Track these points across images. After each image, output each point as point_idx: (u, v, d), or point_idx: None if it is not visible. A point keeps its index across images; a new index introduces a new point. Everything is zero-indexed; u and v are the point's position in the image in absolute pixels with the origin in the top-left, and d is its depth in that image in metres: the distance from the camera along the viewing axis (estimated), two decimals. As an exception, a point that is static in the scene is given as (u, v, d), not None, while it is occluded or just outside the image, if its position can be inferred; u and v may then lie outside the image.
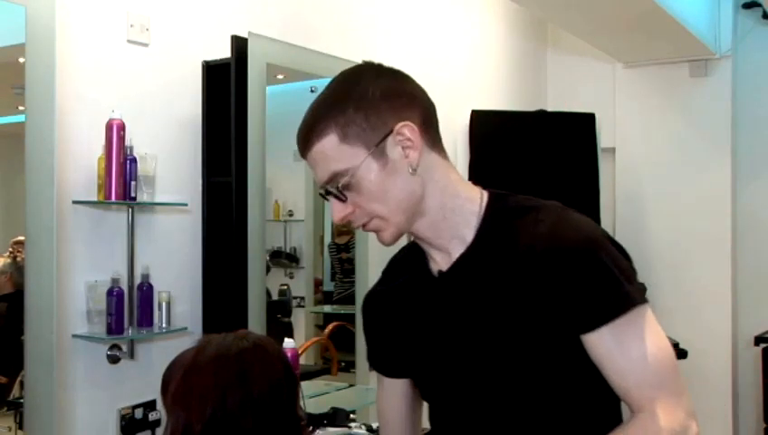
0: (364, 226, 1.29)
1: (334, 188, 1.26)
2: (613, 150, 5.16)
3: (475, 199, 1.30)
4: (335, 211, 1.29)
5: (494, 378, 1.25)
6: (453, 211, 1.28)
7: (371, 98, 1.25)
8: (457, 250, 1.28)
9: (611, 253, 1.21)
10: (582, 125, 4.49)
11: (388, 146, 1.24)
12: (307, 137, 1.27)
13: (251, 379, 1.31)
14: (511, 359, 1.21)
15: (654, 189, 4.97)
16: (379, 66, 1.33)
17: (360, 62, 1.36)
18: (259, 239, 2.83)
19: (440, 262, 1.31)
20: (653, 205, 5.02)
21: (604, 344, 1.18)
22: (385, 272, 1.47)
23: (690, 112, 5.00)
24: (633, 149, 5.13)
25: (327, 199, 1.29)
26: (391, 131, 1.24)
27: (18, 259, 4.37)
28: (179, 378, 1.34)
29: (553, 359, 1.21)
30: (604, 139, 4.76)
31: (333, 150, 1.24)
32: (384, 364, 1.50)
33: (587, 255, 1.19)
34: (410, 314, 1.37)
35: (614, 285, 1.18)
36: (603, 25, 4.37)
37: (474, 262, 1.26)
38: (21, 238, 4.26)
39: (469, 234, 1.27)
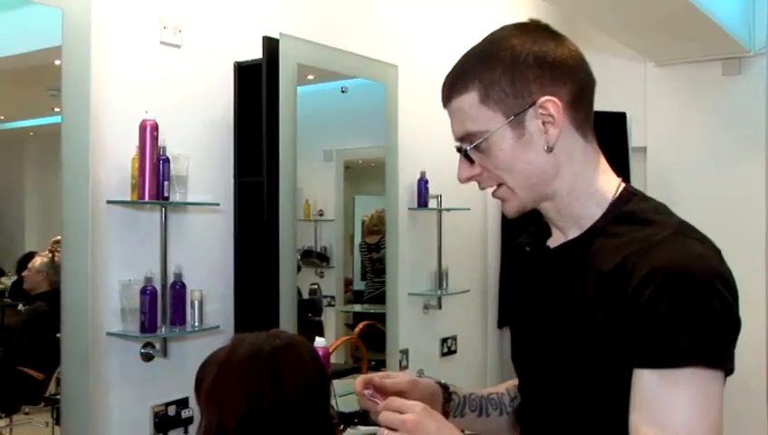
0: (489, 189, 1.25)
1: (465, 146, 1.22)
2: (644, 150, 5.12)
3: (606, 193, 1.23)
4: (461, 170, 1.25)
5: (548, 364, 1.22)
6: (579, 199, 1.23)
7: (522, 62, 1.19)
8: (571, 234, 1.25)
9: (702, 300, 1.06)
10: (613, 124, 4.46)
11: (528, 117, 1.19)
12: (449, 88, 1.24)
13: (284, 377, 1.32)
14: (567, 355, 1.18)
15: (686, 189, 4.92)
16: (543, 27, 1.27)
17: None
18: (290, 239, 2.85)
19: (555, 239, 1.29)
20: (685, 205, 4.92)
21: (636, 387, 1.09)
22: (528, 232, 1.42)
23: (723, 111, 4.94)
24: (665, 149, 5.08)
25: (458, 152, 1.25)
26: (534, 103, 1.18)
27: (56, 258, 4.43)
28: (213, 376, 1.36)
29: (601, 375, 1.15)
30: (635, 138, 4.72)
31: (471, 109, 1.20)
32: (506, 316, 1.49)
33: (673, 289, 1.06)
34: (523, 279, 1.35)
35: (674, 333, 1.05)
36: (634, 24, 4.34)
37: (577, 252, 1.22)
38: (59, 238, 4.31)
39: (586, 224, 1.23)
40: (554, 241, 1.29)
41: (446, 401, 1.46)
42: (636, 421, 1.09)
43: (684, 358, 1.05)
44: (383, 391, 1.34)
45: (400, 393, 1.33)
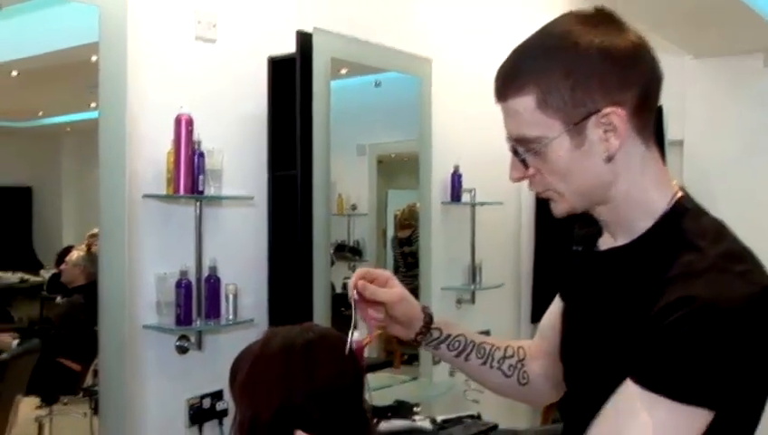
0: (538, 192, 1.21)
1: (521, 148, 1.18)
2: (681, 143, 5.07)
3: (660, 204, 1.18)
4: (513, 170, 1.21)
5: (589, 361, 1.22)
6: (632, 208, 1.19)
7: (584, 64, 1.12)
8: (621, 240, 1.22)
9: (715, 341, 1.02)
10: (649, 117, 4.42)
11: (589, 125, 1.13)
12: (503, 86, 1.17)
13: (317, 370, 1.33)
14: (605, 354, 1.18)
15: (723, 184, 4.86)
16: (608, 18, 1.18)
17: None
18: (324, 232, 2.86)
19: (605, 241, 1.27)
20: (722, 200, 4.88)
21: (619, 390, 1.08)
22: (576, 235, 1.42)
23: (764, 104, 4.87)
24: (702, 143, 5.03)
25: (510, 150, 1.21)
26: (596, 112, 1.12)
27: (92, 250, 4.49)
28: (246, 370, 1.37)
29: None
30: (672, 131, 4.68)
31: (527, 113, 1.14)
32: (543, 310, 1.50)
33: (693, 323, 1.02)
34: (570, 277, 1.35)
35: (671, 361, 1.04)
36: (672, 16, 4.29)
37: (622, 260, 1.21)
38: (96, 231, 4.38)
39: (636, 233, 1.19)
40: (604, 243, 1.27)
41: (422, 334, 1.47)
42: (598, 422, 1.10)
43: (665, 387, 1.04)
44: (370, 299, 1.39)
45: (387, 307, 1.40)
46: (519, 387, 1.52)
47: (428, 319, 1.48)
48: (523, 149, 1.17)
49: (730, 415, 1.07)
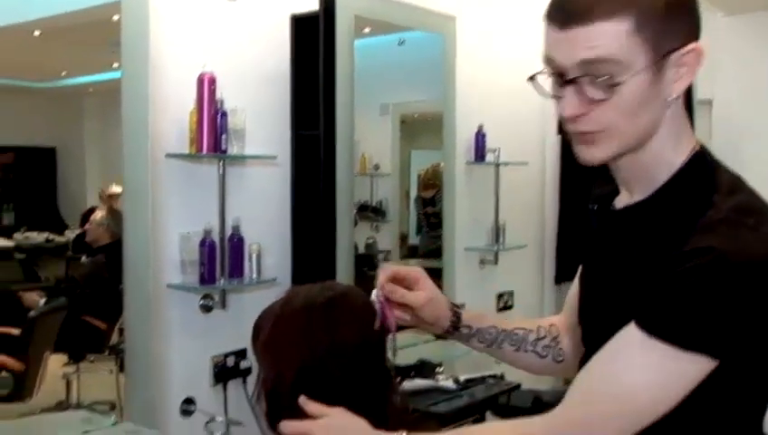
0: (583, 132, 1.12)
1: (586, 80, 1.07)
2: (710, 103, 4.99)
3: (680, 153, 1.16)
4: (568, 105, 1.10)
5: (608, 320, 1.22)
6: (657, 155, 1.15)
7: None
8: (638, 196, 1.19)
9: (721, 291, 1.01)
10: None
11: (670, 62, 1.07)
12: (590, 7, 1.04)
13: (338, 327, 1.32)
14: (623, 312, 1.18)
15: (754, 145, 4.77)
16: None
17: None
18: (347, 192, 2.86)
19: (621, 199, 1.25)
20: (752, 162, 4.81)
21: (621, 332, 1.09)
22: (592, 194, 1.40)
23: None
24: (732, 102, 4.94)
25: (562, 85, 1.10)
26: (682, 47, 1.07)
27: (114, 208, 4.52)
28: (268, 328, 1.37)
29: None
30: (701, 90, 4.59)
31: (618, 37, 1.04)
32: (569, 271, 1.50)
33: (702, 273, 1.02)
34: (588, 237, 1.33)
35: (670, 304, 1.04)
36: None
37: (639, 216, 1.19)
38: (115, 190, 4.41)
39: (654, 186, 1.16)
40: (620, 201, 1.26)
41: (449, 332, 1.48)
42: (597, 357, 1.12)
43: (662, 330, 1.04)
44: (396, 301, 1.38)
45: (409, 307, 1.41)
46: (556, 365, 1.53)
47: (456, 318, 1.48)
48: (591, 80, 1.07)
49: (736, 370, 1.07)
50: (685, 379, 1.06)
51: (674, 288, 1.05)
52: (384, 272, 1.40)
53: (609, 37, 1.04)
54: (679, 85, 1.10)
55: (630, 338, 1.08)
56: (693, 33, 1.10)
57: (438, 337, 1.56)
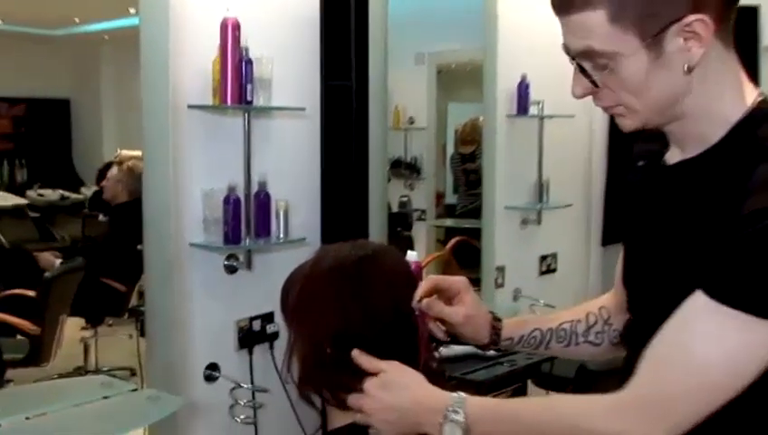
0: (606, 107, 1.21)
1: (587, 64, 1.16)
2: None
3: (737, 107, 1.17)
4: (576, 85, 1.19)
5: (658, 283, 1.22)
6: (706, 114, 1.17)
7: None
8: (691, 151, 1.21)
9: None
10: (742, 20, 4.26)
11: (669, 36, 1.10)
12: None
13: (371, 288, 1.32)
14: (675, 274, 1.17)
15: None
16: None
17: None
18: (380, 147, 2.86)
19: (673, 155, 1.26)
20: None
21: (687, 301, 1.09)
22: (635, 152, 1.41)
23: None
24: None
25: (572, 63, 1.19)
26: (678, 20, 1.09)
27: (134, 169, 4.55)
28: (297, 292, 1.38)
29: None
30: (766, 36, 4.51)
31: (599, 28, 1.11)
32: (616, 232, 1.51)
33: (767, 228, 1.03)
34: (635, 195, 1.35)
35: (742, 269, 1.05)
36: None
37: (693, 173, 1.20)
38: (129, 154, 4.44)
39: (709, 142, 1.18)
40: (672, 157, 1.26)
41: (489, 347, 1.55)
42: (664, 331, 1.11)
43: (737, 299, 1.04)
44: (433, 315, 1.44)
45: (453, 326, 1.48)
46: (613, 348, 1.55)
47: (496, 335, 1.52)
48: (591, 65, 1.15)
49: None
50: (764, 349, 1.06)
51: (742, 252, 1.05)
52: (425, 283, 1.43)
53: (589, 28, 1.11)
54: (692, 55, 1.12)
55: (699, 307, 1.08)
56: (690, 3, 1.09)
57: (479, 347, 1.60)
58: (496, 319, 1.53)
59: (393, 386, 1.27)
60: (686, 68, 1.12)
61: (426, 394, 1.27)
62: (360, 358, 1.29)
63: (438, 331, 1.47)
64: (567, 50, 1.18)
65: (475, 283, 3.73)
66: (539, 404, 1.32)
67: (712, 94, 1.17)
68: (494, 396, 2.80)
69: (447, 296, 1.47)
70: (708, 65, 1.14)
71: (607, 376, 2.72)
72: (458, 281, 1.48)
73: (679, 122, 1.20)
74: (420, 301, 1.39)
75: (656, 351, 1.13)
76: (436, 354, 1.49)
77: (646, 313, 1.27)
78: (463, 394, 1.24)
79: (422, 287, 1.41)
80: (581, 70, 1.17)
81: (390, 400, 1.27)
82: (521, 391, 3.05)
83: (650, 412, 1.11)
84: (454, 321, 1.47)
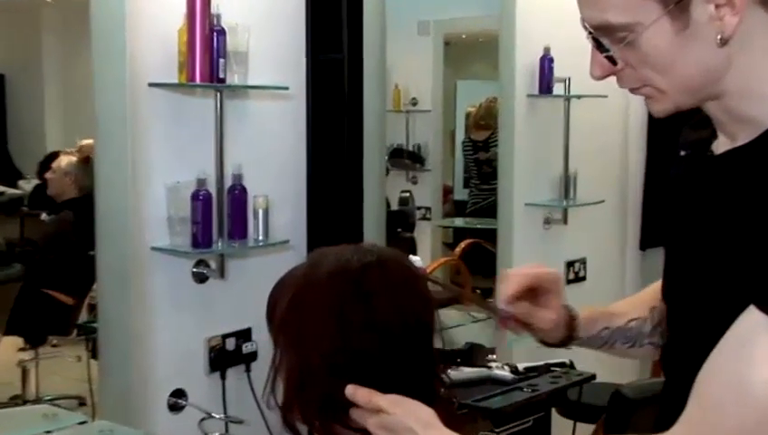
0: (632, 89, 1.23)
1: (605, 39, 1.18)
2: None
3: None
4: (594, 66, 1.22)
5: (705, 292, 1.22)
6: (754, 97, 1.18)
7: None
8: (741, 138, 1.21)
9: None
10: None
11: (695, 3, 1.11)
12: None
13: (377, 302, 1.33)
14: (727, 281, 1.18)
15: None
16: None
17: None
18: (377, 133, 2.87)
19: (721, 143, 1.27)
20: None
21: (738, 320, 1.10)
22: (681, 140, 1.43)
23: None
24: None
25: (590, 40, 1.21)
26: None
27: (86, 156, 4.55)
28: (288, 301, 1.38)
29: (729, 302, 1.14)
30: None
31: None
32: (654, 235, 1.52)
33: None
34: (677, 190, 1.36)
35: None
36: None
37: (746, 161, 1.20)
38: (91, 141, 4.42)
39: (763, 125, 1.17)
40: (719, 146, 1.27)
41: (558, 345, 1.58)
42: (716, 355, 1.12)
43: None
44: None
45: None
46: None
47: (569, 335, 1.56)
48: (609, 40, 1.17)
49: None
50: None
51: None
52: (517, 280, 1.46)
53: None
54: (724, 25, 1.12)
55: (754, 326, 1.08)
56: None
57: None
58: (572, 316, 1.56)
59: (397, 430, 1.28)
60: (719, 39, 1.12)
61: None
62: (357, 394, 1.30)
63: (521, 330, 1.54)
64: (584, 24, 1.20)
65: (489, 293, 3.74)
66: None
67: (759, 69, 1.17)
68: (513, 427, 2.82)
69: (537, 295, 1.51)
70: (752, 34, 1.14)
71: (644, 405, 2.74)
72: (551, 281, 1.52)
73: (720, 103, 1.21)
74: (511, 302, 1.45)
75: (707, 381, 1.13)
76: (446, 379, 1.49)
77: (689, 332, 1.28)
78: None
79: (514, 284, 1.45)
80: (599, 45, 1.19)
81: None
82: (543, 423, 3.06)
83: None
84: (541, 327, 1.52)
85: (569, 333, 1.55)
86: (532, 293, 1.50)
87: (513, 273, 1.49)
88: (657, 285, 1.57)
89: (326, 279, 1.35)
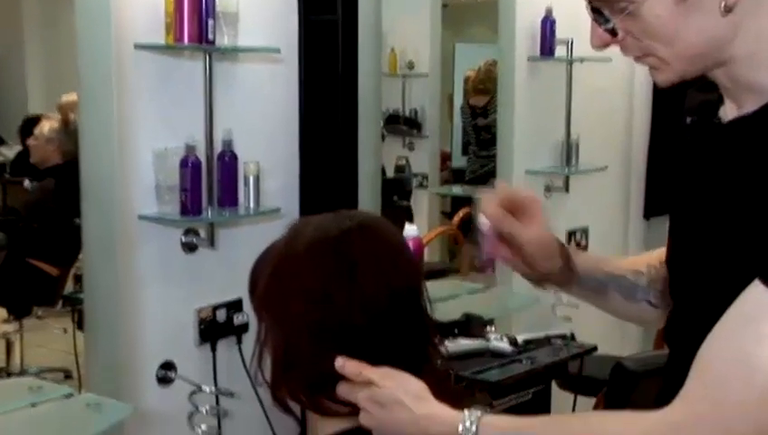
0: (635, 58, 1.25)
1: (605, 10, 1.20)
2: None
3: None
4: (594, 36, 1.24)
5: (709, 262, 1.23)
6: (762, 63, 1.19)
7: None
8: (749, 105, 1.22)
9: None
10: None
11: None
12: None
13: (359, 268, 1.32)
14: (733, 251, 1.19)
15: None
16: None
17: None
18: (373, 97, 2.87)
19: (728, 110, 1.28)
20: None
21: (743, 295, 1.11)
22: (687, 103, 1.44)
23: None
24: None
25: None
26: None
27: (70, 124, 4.55)
28: (269, 274, 1.38)
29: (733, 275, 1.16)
30: None
31: None
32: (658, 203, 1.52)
33: None
34: (683, 158, 1.38)
35: None
36: None
37: (754, 130, 1.21)
38: (74, 97, 4.41)
39: None
40: (727, 112, 1.28)
41: (556, 280, 1.56)
42: (718, 330, 1.12)
43: None
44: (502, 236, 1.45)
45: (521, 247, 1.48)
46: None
47: (567, 265, 1.54)
48: (609, 10, 1.19)
49: None
50: None
51: None
52: (495, 194, 1.44)
53: None
54: None
55: (760, 300, 1.09)
56: None
57: (534, 283, 1.61)
58: (563, 245, 1.56)
59: (387, 403, 1.28)
60: (722, 7, 1.14)
61: (429, 415, 1.27)
62: (346, 367, 1.30)
63: (506, 253, 1.51)
64: None
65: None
66: (574, 424, 1.32)
67: (763, 39, 1.18)
68: (512, 400, 2.83)
69: (519, 215, 1.48)
70: (758, 6, 1.16)
71: (646, 378, 2.76)
72: (532, 199, 1.51)
73: (727, 70, 1.22)
74: (490, 216, 1.42)
75: (709, 356, 1.14)
76: (442, 350, 1.49)
77: (693, 303, 1.28)
78: (476, 414, 1.24)
79: (492, 198, 1.43)
80: (599, 16, 1.21)
81: (387, 418, 1.28)
82: (543, 396, 3.08)
83: (705, 433, 1.13)
84: (527, 240, 1.48)
85: (564, 262, 1.53)
86: (515, 214, 1.48)
87: (488, 193, 1.46)
88: (657, 251, 1.57)
89: (306, 250, 1.34)
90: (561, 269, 1.54)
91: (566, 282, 1.57)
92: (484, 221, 1.42)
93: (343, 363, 1.29)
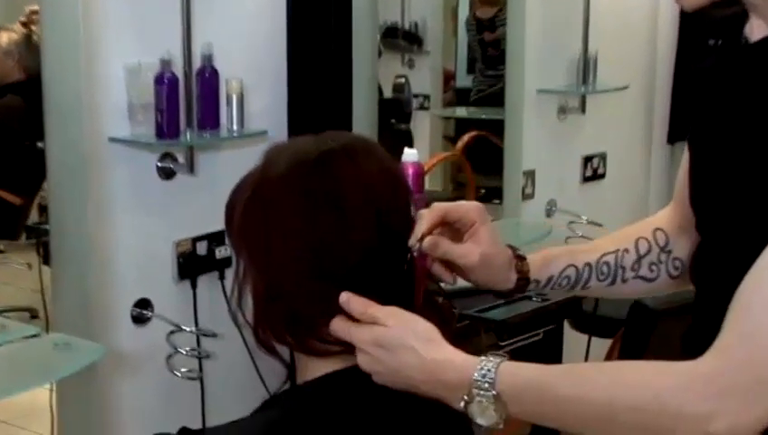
0: None
1: None
2: None
3: None
4: None
5: (735, 190, 1.23)
6: None
7: None
8: None
9: None
10: None
11: None
12: None
13: (344, 192, 1.31)
14: (741, 194, 1.19)
15: None
16: None
17: None
18: (369, 8, 2.85)
19: (754, 30, 1.27)
20: None
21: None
22: (711, 21, 1.43)
23: None
24: None
25: None
26: None
27: (33, 36, 4.51)
28: (244, 204, 1.36)
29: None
30: None
31: None
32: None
33: None
34: (706, 80, 1.37)
35: None
36: None
37: None
38: (36, 6, 4.37)
39: None
40: (754, 33, 1.27)
41: (512, 295, 1.57)
42: (753, 273, 1.12)
43: None
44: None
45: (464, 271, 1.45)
46: (672, 281, 1.57)
47: (522, 279, 1.53)
48: None
49: None
50: None
51: None
52: (428, 215, 1.39)
53: None
54: None
55: None
56: None
57: (498, 295, 1.59)
58: (519, 257, 1.53)
59: (393, 347, 1.27)
60: None
61: (440, 359, 1.25)
62: (351, 302, 1.28)
63: (445, 275, 1.46)
64: None
65: (495, 193, 3.75)
66: (596, 375, 1.30)
67: None
68: (521, 341, 2.84)
69: (457, 230, 1.45)
70: None
71: (669, 316, 2.75)
72: (472, 209, 1.46)
73: None
74: (422, 239, 1.36)
75: (745, 305, 1.13)
76: (444, 285, 1.49)
77: (720, 238, 1.28)
78: (495, 361, 1.22)
79: (425, 221, 1.38)
80: None
81: (393, 363, 1.25)
82: (555, 336, 3.09)
83: (744, 389, 1.11)
84: (467, 264, 1.44)
85: (520, 278, 1.52)
86: (454, 230, 1.45)
87: (425, 211, 1.42)
88: (649, 219, 1.60)
89: (283, 175, 1.32)
90: (516, 283, 1.52)
91: (524, 290, 1.56)
92: (415, 244, 1.35)
93: (348, 299, 1.27)
